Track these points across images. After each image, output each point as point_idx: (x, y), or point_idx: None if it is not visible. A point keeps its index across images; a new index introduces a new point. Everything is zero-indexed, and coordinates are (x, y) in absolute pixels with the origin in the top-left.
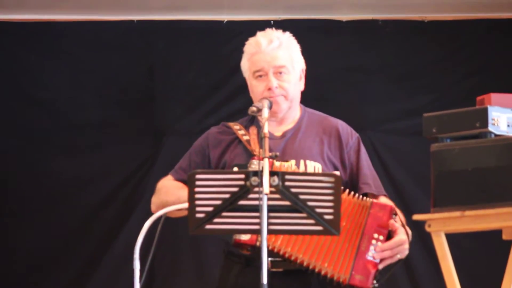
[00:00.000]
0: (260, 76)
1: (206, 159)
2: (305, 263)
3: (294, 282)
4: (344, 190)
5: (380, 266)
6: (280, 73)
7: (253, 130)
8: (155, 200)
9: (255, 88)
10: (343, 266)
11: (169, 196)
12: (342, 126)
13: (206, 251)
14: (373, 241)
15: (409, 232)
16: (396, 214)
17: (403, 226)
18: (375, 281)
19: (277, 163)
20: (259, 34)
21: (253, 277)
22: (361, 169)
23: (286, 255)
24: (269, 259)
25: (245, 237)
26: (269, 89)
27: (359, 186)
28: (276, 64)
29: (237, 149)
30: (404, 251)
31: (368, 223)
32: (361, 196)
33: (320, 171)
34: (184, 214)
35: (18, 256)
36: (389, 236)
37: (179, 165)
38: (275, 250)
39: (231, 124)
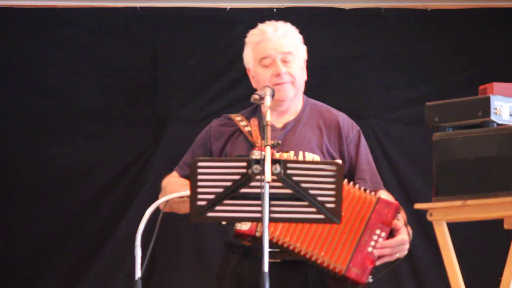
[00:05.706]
0: (267, 63)
1: (208, 152)
2: (302, 253)
3: (291, 273)
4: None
5: (378, 263)
6: (287, 60)
7: (254, 121)
8: (161, 198)
9: (261, 75)
10: (341, 257)
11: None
12: (343, 118)
13: (207, 239)
14: (375, 237)
15: (410, 231)
16: (399, 212)
17: (405, 225)
18: (370, 277)
19: (277, 154)
20: (262, 24)
21: (251, 267)
22: (359, 164)
23: (285, 245)
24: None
25: (245, 227)
26: (278, 75)
27: (355, 180)
28: (284, 51)
29: (239, 140)
30: (403, 251)
31: (372, 218)
32: (367, 191)
33: None
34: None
35: (19, 243)
36: (391, 234)
37: (183, 161)
38: (274, 240)
39: (233, 115)
